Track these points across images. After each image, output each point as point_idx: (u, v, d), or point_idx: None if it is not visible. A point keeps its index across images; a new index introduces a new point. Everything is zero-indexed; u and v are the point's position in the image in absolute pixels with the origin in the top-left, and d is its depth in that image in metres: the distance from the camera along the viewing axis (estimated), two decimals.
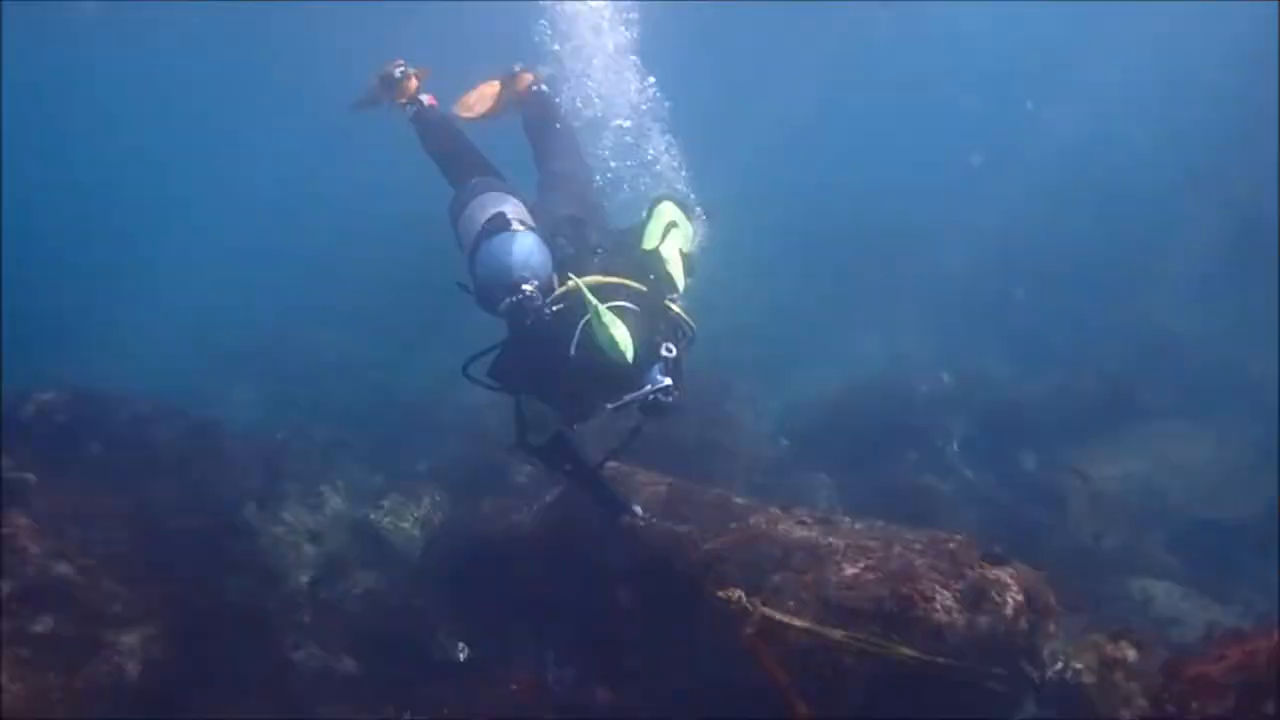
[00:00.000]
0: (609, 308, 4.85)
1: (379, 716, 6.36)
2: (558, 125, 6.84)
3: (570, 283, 5.05)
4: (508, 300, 5.03)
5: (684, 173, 6.98)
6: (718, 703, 5.89)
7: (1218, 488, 10.63)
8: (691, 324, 5.58)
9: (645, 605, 6.41)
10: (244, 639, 6.81)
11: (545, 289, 5.12)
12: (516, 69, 7.11)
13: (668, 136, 7.11)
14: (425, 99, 6.70)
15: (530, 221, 5.48)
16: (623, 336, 4.74)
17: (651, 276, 5.44)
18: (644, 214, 5.86)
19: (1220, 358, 13.97)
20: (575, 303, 4.94)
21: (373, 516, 9.90)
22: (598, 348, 4.76)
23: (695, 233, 6.03)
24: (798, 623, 5.69)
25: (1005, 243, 19.16)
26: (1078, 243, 19.00)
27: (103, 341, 17.50)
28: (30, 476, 7.44)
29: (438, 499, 10.13)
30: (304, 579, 8.39)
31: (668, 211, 5.79)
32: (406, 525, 9.80)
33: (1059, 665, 6.14)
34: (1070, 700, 5.97)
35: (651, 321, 5.16)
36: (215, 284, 21.75)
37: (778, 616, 5.63)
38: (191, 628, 6.48)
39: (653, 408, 4.99)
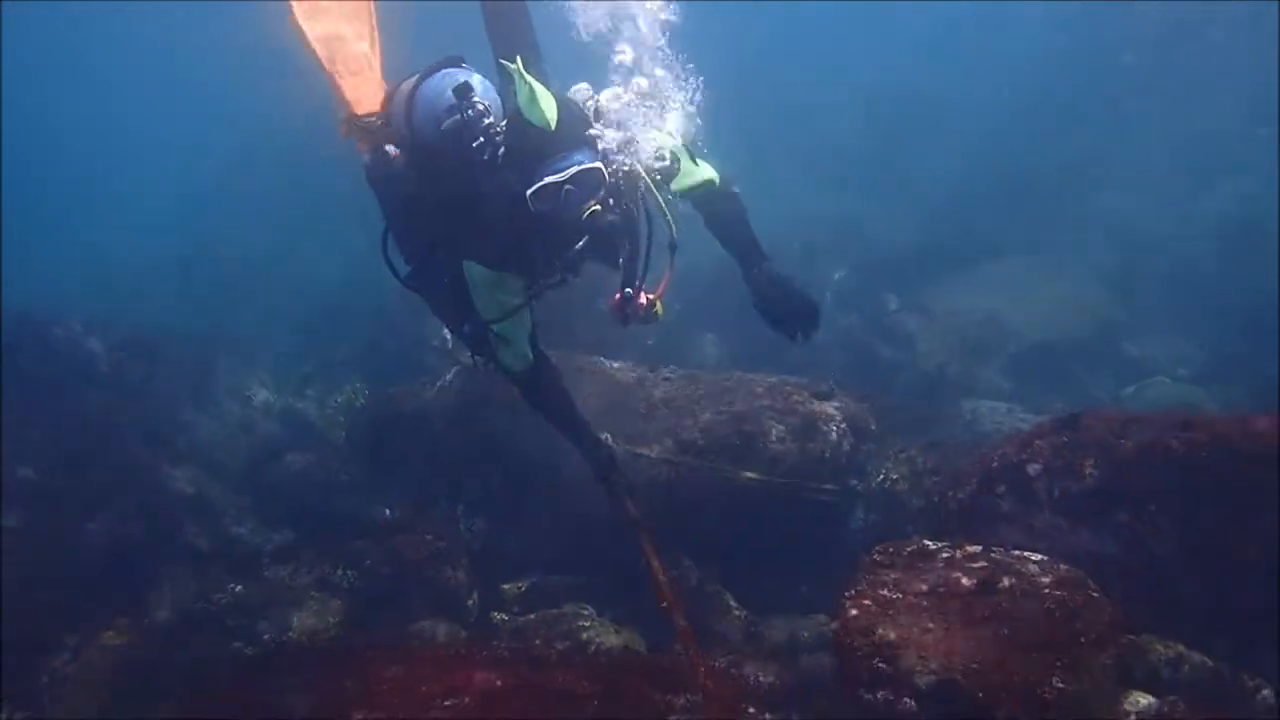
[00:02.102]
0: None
1: (316, 575, 7.41)
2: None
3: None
4: (452, 119, 4.32)
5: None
6: (602, 537, 7.01)
7: (1054, 313, 11.89)
8: (667, 214, 4.57)
9: (536, 459, 7.44)
10: (192, 519, 7.81)
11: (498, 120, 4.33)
12: None
13: None
14: None
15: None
16: (545, 94, 4.18)
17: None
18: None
19: (1066, 194, 15.17)
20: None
21: (299, 405, 10.89)
22: (517, 115, 4.18)
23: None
24: (655, 454, 6.83)
25: (884, 105, 20.11)
26: (943, 102, 20.03)
27: (31, 264, 17.94)
28: None
29: (358, 385, 11.09)
30: (242, 463, 9.38)
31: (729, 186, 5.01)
32: (330, 410, 10.80)
33: (880, 477, 7.30)
34: (891, 504, 7.13)
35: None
36: (130, 198, 22.00)
37: (638, 450, 6.75)
38: (146, 513, 7.46)
39: (590, 224, 4.18)
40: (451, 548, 7.24)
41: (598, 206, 4.19)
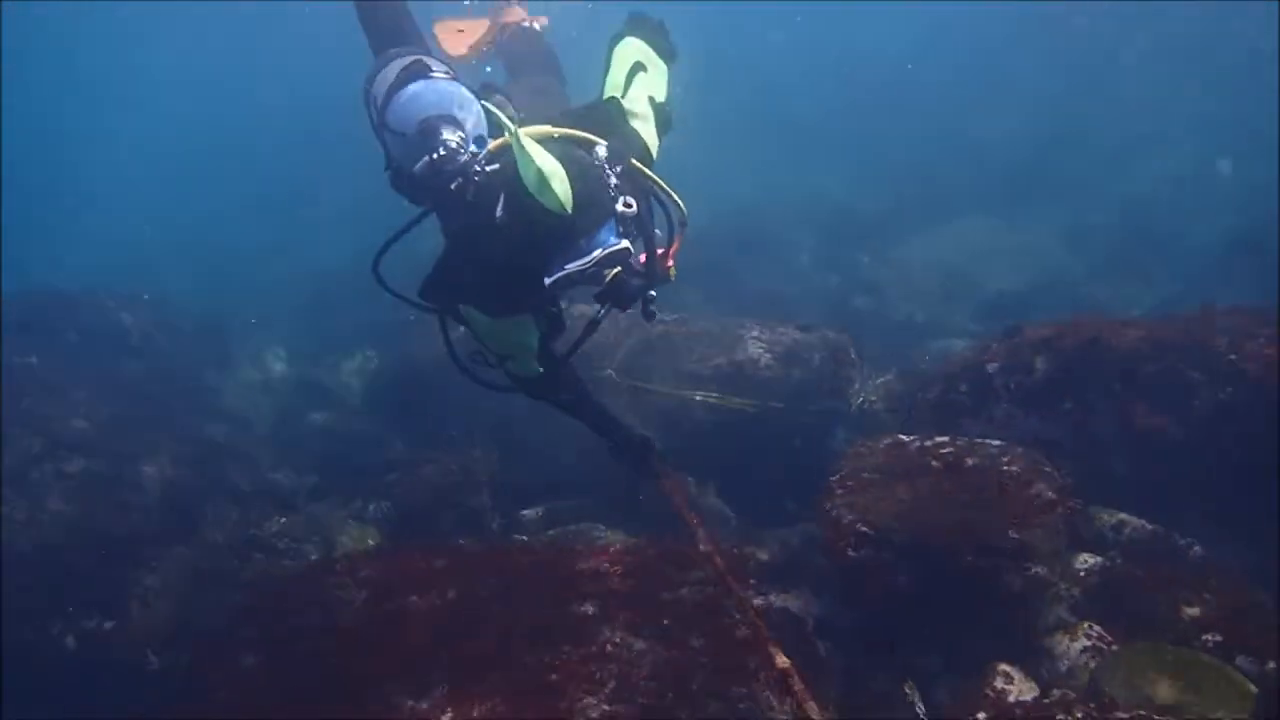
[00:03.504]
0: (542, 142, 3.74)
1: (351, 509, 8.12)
2: (540, 57, 5.79)
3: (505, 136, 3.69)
4: (425, 159, 3.59)
5: None
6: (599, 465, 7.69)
7: (1014, 265, 12.80)
8: (673, 196, 4.34)
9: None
10: (232, 466, 8.51)
11: (476, 142, 3.72)
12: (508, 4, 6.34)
13: None
14: None
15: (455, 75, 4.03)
16: (555, 170, 3.54)
17: (613, 132, 4.19)
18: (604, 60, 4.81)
19: (1024, 159, 16.08)
20: (512, 159, 3.59)
21: (313, 372, 11.60)
22: (527, 196, 3.53)
23: (669, 74, 4.95)
24: (657, 387, 7.60)
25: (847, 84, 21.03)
26: (912, 74, 20.95)
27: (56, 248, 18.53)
28: (34, 359, 8.92)
29: (369, 353, 11.81)
30: (267, 422, 10.09)
31: (630, 52, 4.77)
32: (344, 377, 11.52)
33: (860, 400, 8.09)
34: (869, 424, 7.90)
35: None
36: (143, 192, 22.57)
37: (639, 384, 7.50)
38: (191, 458, 8.16)
39: (613, 290, 3.75)
40: (473, 476, 7.91)
41: (620, 270, 3.71)
